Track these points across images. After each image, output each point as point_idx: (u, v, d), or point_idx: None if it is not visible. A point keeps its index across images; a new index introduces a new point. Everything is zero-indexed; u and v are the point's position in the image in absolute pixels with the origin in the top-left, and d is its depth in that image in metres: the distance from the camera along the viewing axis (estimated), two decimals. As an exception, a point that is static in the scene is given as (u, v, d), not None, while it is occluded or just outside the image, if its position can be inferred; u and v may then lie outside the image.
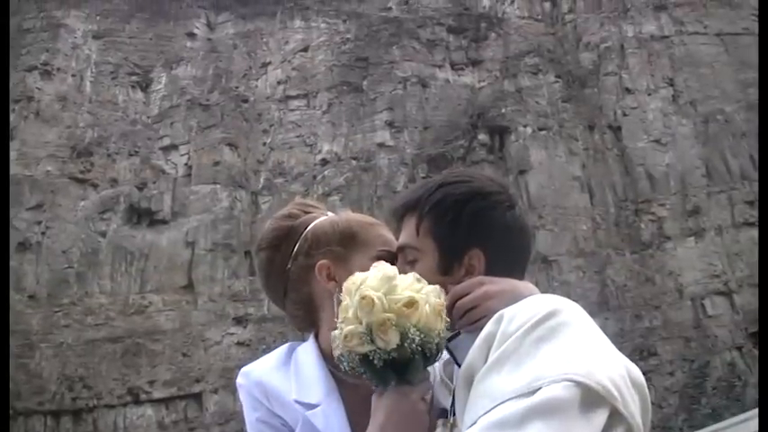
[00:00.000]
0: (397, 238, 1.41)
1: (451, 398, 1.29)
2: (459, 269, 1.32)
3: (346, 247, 1.44)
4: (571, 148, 14.89)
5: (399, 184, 14.02)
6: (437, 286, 1.25)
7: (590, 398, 1.04)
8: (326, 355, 1.39)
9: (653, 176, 15.39)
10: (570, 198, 14.49)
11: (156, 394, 14.28)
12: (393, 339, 1.18)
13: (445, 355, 1.34)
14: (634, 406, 1.11)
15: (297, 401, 1.36)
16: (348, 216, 1.51)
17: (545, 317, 1.11)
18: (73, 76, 17.35)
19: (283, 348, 1.49)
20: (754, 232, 15.63)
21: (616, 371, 1.10)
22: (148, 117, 16.00)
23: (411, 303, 1.19)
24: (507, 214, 1.34)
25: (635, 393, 1.12)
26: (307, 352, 1.44)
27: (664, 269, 15.10)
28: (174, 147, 15.56)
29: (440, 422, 1.29)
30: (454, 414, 1.24)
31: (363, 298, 1.20)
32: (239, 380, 1.45)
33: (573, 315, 1.14)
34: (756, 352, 15.14)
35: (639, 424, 1.11)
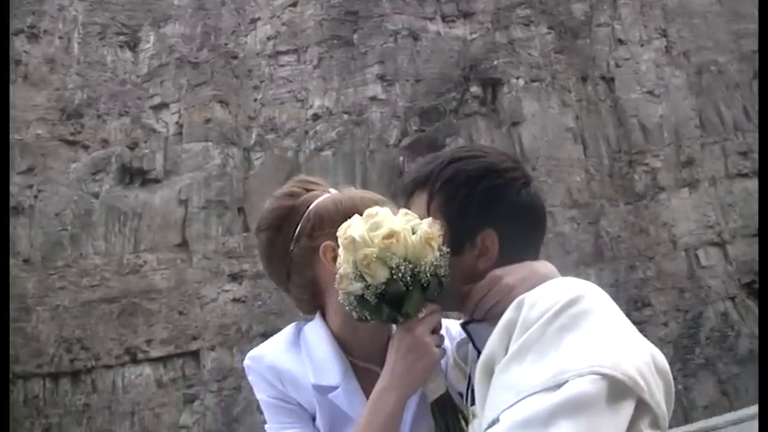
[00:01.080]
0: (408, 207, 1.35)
1: (467, 383, 1.29)
2: (472, 249, 1.27)
3: None
4: (564, 100, 14.82)
5: (392, 137, 13.97)
6: (429, 219, 1.25)
7: (617, 390, 1.01)
8: (337, 338, 1.38)
9: (646, 128, 15.34)
10: (564, 149, 14.45)
11: (154, 353, 14.34)
12: (380, 273, 1.18)
13: (460, 334, 1.35)
14: (659, 394, 1.09)
15: (315, 385, 1.34)
16: (351, 194, 1.47)
17: (568, 303, 1.07)
18: (60, 38, 17.14)
19: (289, 330, 1.45)
20: (748, 183, 15.65)
21: (642, 359, 1.07)
22: (138, 76, 15.85)
23: (391, 235, 1.19)
24: (522, 192, 1.28)
25: (659, 380, 1.10)
26: (316, 333, 1.41)
27: (657, 220, 15.12)
28: (164, 105, 15.43)
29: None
30: (473, 403, 1.21)
31: (346, 238, 1.21)
32: (248, 362, 1.42)
33: (596, 301, 1.10)
34: (750, 302, 15.25)
35: (665, 412, 1.09)
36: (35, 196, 15.92)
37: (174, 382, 14.15)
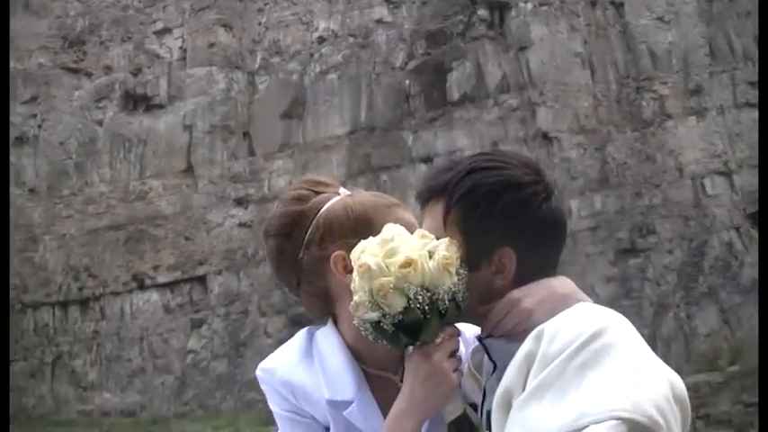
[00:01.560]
0: (421, 222, 1.31)
1: (482, 395, 1.27)
2: (489, 266, 1.23)
3: (363, 237, 1.30)
4: (573, 25, 14.61)
5: (398, 60, 13.82)
6: (446, 239, 1.20)
7: (636, 431, 1.00)
8: (350, 346, 1.34)
9: (655, 54, 15.12)
10: (571, 75, 14.30)
11: (161, 279, 14.44)
12: (396, 302, 1.15)
13: (474, 339, 1.32)
14: (677, 426, 1.07)
15: (330, 401, 1.31)
16: (362, 199, 1.40)
17: (589, 339, 1.05)
18: (59, -35, 16.87)
19: (301, 336, 1.42)
20: (756, 113, 15.51)
21: (661, 393, 1.05)
22: (140, 1, 15.61)
23: (408, 263, 1.15)
24: (543, 206, 1.23)
25: (677, 410, 1.08)
26: (329, 342, 1.37)
27: (664, 148, 15.03)
28: (167, 30, 15.24)
29: None
30: (488, 422, 1.18)
31: (361, 266, 1.17)
32: (261, 374, 1.39)
33: (618, 334, 1.08)
34: (754, 233, 15.25)
35: None
36: (39, 126, 15.86)
37: (181, 307, 14.28)
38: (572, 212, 14.28)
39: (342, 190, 1.42)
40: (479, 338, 1.28)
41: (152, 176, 14.71)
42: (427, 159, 14.09)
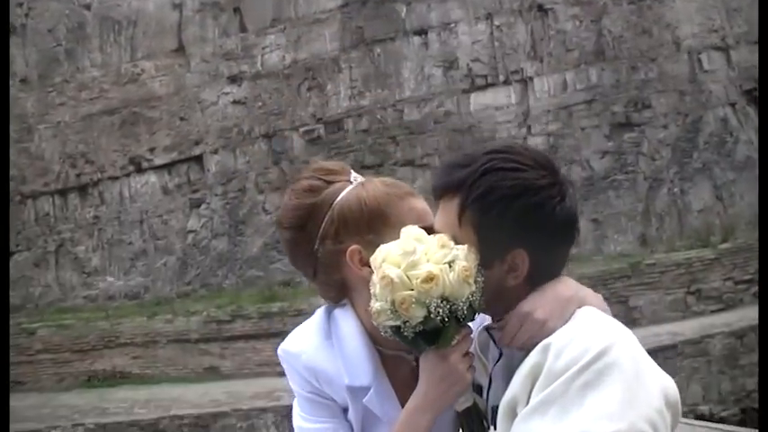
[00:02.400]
0: (435, 215, 1.32)
1: (488, 379, 1.34)
2: (502, 265, 1.25)
3: (377, 230, 1.34)
4: None
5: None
6: (465, 247, 1.23)
7: None
8: (366, 329, 1.37)
9: (653, -76, 14.78)
10: (568, -56, 14.04)
11: (158, 161, 14.44)
12: (417, 314, 1.19)
13: (481, 322, 1.36)
14: (666, 430, 1.14)
15: (349, 387, 1.36)
16: (375, 192, 1.38)
17: (593, 359, 1.10)
18: None
19: (320, 317, 1.45)
20: (755, -15, 15.23)
21: (654, 408, 1.12)
22: None
23: (430, 278, 1.18)
24: (557, 209, 1.23)
25: (669, 416, 1.16)
26: (348, 324, 1.40)
27: (661, 21, 14.80)
28: None
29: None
30: (494, 411, 1.26)
31: (383, 278, 1.20)
32: (283, 355, 1.43)
33: (619, 353, 1.12)
34: (750, 110, 15.21)
35: None
36: (26, 14, 15.57)
37: (179, 187, 14.34)
38: (567, 85, 14.21)
39: (353, 176, 1.43)
40: (487, 329, 1.36)
41: (143, 58, 14.53)
42: (421, 32, 13.92)
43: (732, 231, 13.69)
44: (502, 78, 13.97)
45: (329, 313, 1.45)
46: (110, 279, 14.64)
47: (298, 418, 1.45)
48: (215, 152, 14.08)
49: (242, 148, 13.99)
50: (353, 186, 1.40)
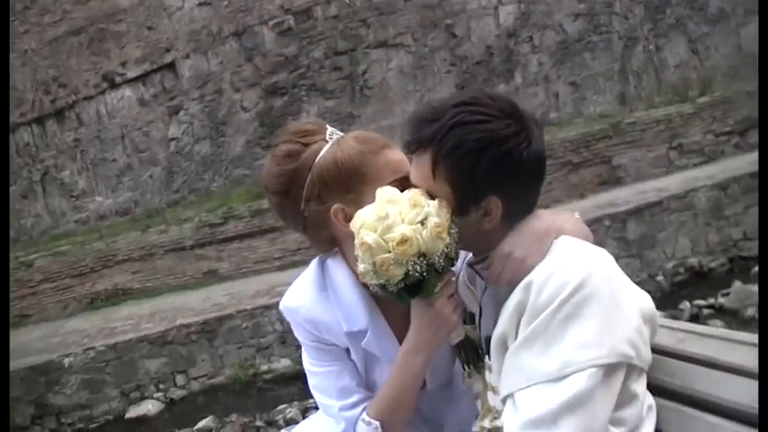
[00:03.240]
0: (409, 161, 1.41)
1: (479, 308, 1.43)
2: (477, 212, 1.33)
3: (355, 188, 1.44)
4: None
5: None
6: (436, 202, 1.31)
7: (613, 370, 1.19)
8: (357, 277, 1.46)
9: None
10: None
11: (131, 74, 14.26)
12: (397, 273, 1.29)
13: (466, 255, 1.46)
14: (645, 347, 1.26)
15: (348, 332, 1.51)
16: (350, 150, 1.45)
17: (572, 292, 1.19)
18: None
19: (315, 269, 1.57)
20: None
21: (633, 328, 1.23)
22: None
23: (405, 240, 1.27)
24: (524, 154, 1.30)
25: (646, 330, 1.28)
26: (342, 275, 1.52)
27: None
28: None
29: (465, 371, 1.47)
30: (487, 341, 1.37)
31: (362, 244, 1.30)
32: (285, 311, 1.57)
33: (596, 282, 1.20)
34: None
35: (647, 357, 1.26)
36: (-22, -57, 15.14)
37: (155, 97, 14.21)
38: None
39: (329, 133, 1.50)
40: (470, 264, 1.45)
41: (103, -30, 14.24)
42: None
43: (709, 84, 13.73)
44: (468, -52, 13.77)
45: (323, 264, 1.58)
46: (98, 199, 14.64)
47: (307, 364, 1.62)
48: (186, 57, 13.91)
49: (213, 50, 13.83)
50: (329, 146, 1.48)
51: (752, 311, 8.37)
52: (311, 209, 1.49)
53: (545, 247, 1.30)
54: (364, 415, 1.50)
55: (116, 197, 14.57)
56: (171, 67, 14.06)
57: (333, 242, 1.55)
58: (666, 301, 9.40)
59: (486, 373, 1.42)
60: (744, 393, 1.18)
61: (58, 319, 12.46)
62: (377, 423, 1.48)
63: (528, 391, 1.22)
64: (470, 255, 1.48)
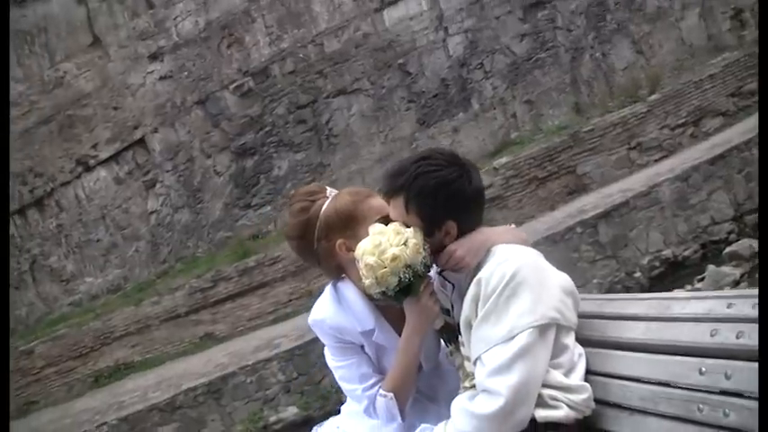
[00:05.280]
0: (388, 204, 1.95)
1: (451, 303, 1.99)
2: (440, 233, 1.90)
3: (352, 228, 2.00)
4: None
5: None
6: (412, 229, 1.87)
7: (545, 329, 1.71)
8: (363, 291, 2.01)
9: None
10: None
11: (103, 155, 14.53)
12: (392, 281, 1.85)
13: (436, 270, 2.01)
14: (569, 312, 1.79)
15: (362, 332, 2.05)
16: (343, 198, 2.05)
17: (509, 280, 1.73)
18: None
19: (330, 290, 2.12)
20: None
21: (557, 298, 1.76)
22: None
23: (395, 258, 1.83)
24: (467, 188, 1.88)
25: (569, 301, 1.81)
26: (349, 290, 2.08)
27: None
28: None
29: (448, 349, 2.02)
30: (459, 329, 1.90)
31: (366, 265, 1.86)
32: (312, 323, 2.11)
33: (525, 272, 1.74)
34: None
35: (572, 319, 1.80)
36: (-62, 50, 15.52)
37: (130, 174, 14.52)
38: (476, -22, 14.50)
39: (329, 191, 2.10)
40: (439, 272, 2.01)
41: (63, 60, 14.59)
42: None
43: (658, 81, 14.09)
44: (409, -11, 14.28)
45: (335, 286, 2.13)
46: (88, 280, 14.79)
47: (332, 362, 2.14)
48: (155, 131, 14.26)
49: (180, 120, 14.20)
50: (330, 201, 2.07)
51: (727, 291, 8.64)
52: (322, 246, 2.05)
53: (481, 251, 1.85)
54: (381, 390, 2.02)
55: (105, 276, 14.75)
56: (141, 142, 14.41)
57: (340, 269, 2.09)
58: (647, 295, 9.64)
59: (462, 348, 1.92)
60: (640, 332, 1.71)
61: (65, 402, 12.54)
62: (391, 395, 1.99)
63: (489, 351, 1.72)
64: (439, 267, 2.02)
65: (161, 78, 14.14)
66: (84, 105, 14.58)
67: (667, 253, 10.94)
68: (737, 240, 10.19)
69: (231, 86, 14.07)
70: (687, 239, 11.06)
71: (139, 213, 14.56)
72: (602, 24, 14.84)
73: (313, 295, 12.65)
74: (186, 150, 14.21)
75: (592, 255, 10.62)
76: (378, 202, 2.03)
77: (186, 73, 14.03)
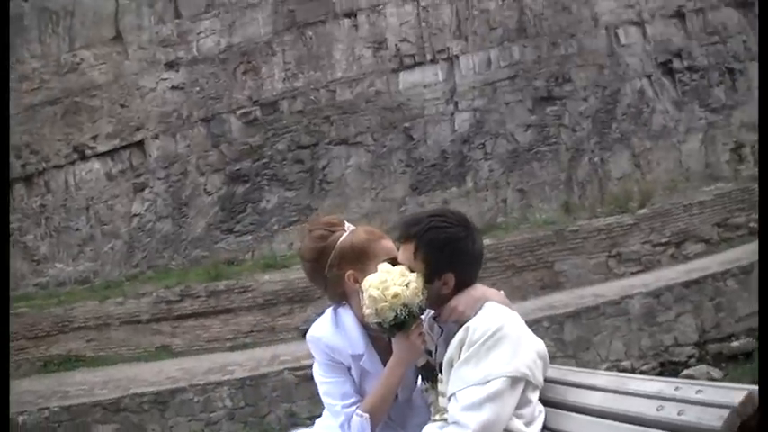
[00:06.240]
0: (398, 248, 2.17)
1: (435, 346, 2.19)
2: (439, 281, 2.09)
3: (363, 262, 2.20)
4: None
5: None
6: (415, 274, 2.07)
7: (516, 381, 1.91)
8: (359, 319, 2.21)
9: None
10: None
11: (101, 148, 14.71)
12: (390, 315, 2.03)
13: (428, 313, 2.20)
14: (539, 372, 1.99)
15: (352, 354, 2.23)
16: (360, 237, 2.25)
17: (493, 332, 1.92)
18: None
19: (331, 312, 2.31)
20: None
21: (530, 358, 1.96)
22: None
23: (396, 295, 2.03)
24: (469, 247, 2.10)
25: (540, 362, 2.01)
26: (348, 317, 2.27)
27: (579, -2, 15.52)
28: None
29: (424, 386, 2.22)
30: (441, 365, 2.09)
31: (370, 296, 2.05)
32: (310, 338, 2.29)
33: (508, 328, 1.95)
34: (665, 81, 16.04)
35: (540, 379, 2.00)
36: (-37, 7, 15.65)
37: (122, 173, 14.67)
38: (491, 62, 14.87)
39: (347, 226, 2.30)
40: (434, 317, 2.21)
41: (82, 47, 14.77)
42: (350, 14, 14.47)
43: (649, 197, 14.31)
44: (429, 57, 14.60)
45: (335, 310, 2.32)
46: (59, 266, 14.84)
47: (319, 377, 2.32)
48: (156, 137, 14.43)
49: (182, 133, 14.39)
50: (347, 234, 2.27)
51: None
52: (332, 273, 2.24)
53: (477, 306, 2.03)
54: (358, 410, 2.20)
55: (76, 265, 14.80)
56: (140, 145, 14.57)
57: (343, 296, 2.27)
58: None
59: (439, 385, 2.12)
60: (596, 400, 1.93)
61: (12, 379, 12.57)
62: (367, 415, 2.18)
63: (464, 390, 1.91)
64: (432, 312, 2.21)
65: (173, 88, 14.33)
66: (92, 96, 14.74)
67: (626, 364, 11.06)
68: (696, 366, 10.42)
69: (238, 112, 14.28)
70: (647, 355, 11.14)
71: (123, 213, 14.68)
72: (606, 131, 15.14)
73: (276, 331, 12.88)
74: (182, 163, 14.38)
75: (553, 351, 10.80)
76: (389, 244, 2.26)
77: (198, 88, 14.23)
